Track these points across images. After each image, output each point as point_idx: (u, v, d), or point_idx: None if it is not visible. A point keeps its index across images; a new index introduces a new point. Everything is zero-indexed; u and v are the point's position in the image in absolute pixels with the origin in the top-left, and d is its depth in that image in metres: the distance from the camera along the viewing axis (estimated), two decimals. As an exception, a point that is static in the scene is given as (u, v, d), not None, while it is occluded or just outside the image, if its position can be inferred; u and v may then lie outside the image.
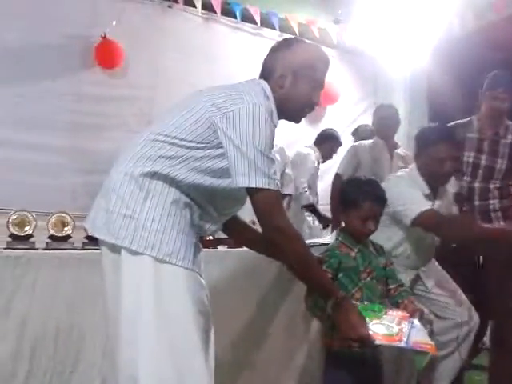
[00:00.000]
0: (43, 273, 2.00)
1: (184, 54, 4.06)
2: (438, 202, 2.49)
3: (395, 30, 4.53)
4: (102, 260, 1.57)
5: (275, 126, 1.56)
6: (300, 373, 2.45)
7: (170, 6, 4.10)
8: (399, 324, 1.65)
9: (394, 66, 4.83)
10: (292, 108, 1.65)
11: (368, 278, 1.96)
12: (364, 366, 1.89)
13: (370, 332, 1.60)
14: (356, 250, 1.98)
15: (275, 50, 1.69)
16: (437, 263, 2.70)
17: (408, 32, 4.52)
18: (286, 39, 1.75)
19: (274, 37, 4.44)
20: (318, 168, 4.19)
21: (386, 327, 1.63)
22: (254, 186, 1.47)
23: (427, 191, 2.43)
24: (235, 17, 4.27)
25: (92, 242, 2.15)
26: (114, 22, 3.76)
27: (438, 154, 2.37)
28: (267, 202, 1.50)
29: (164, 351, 1.40)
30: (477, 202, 2.97)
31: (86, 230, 2.12)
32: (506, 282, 2.88)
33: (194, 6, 4.09)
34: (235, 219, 1.84)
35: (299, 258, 1.57)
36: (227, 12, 4.27)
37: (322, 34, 4.60)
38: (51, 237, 2.16)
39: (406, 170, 2.60)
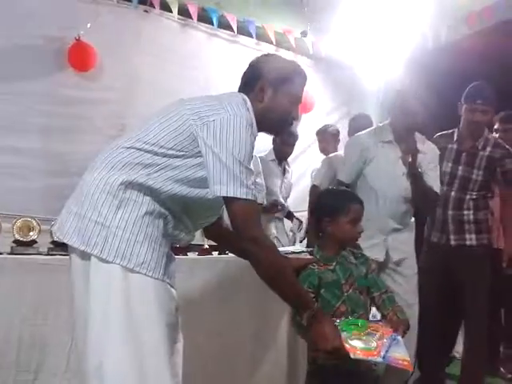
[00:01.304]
0: (6, 278, 1.98)
1: (159, 58, 4.04)
2: None
3: (371, 40, 4.58)
4: (70, 266, 1.55)
5: (255, 138, 1.58)
6: (267, 381, 2.46)
7: (146, 11, 4.06)
8: (380, 338, 1.70)
9: (369, 76, 4.89)
10: (271, 121, 1.69)
11: (350, 290, 1.97)
12: (350, 378, 1.88)
13: (348, 346, 1.63)
14: (334, 264, 1.99)
15: (255, 63, 1.73)
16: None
17: (383, 43, 4.58)
18: (265, 54, 1.79)
19: (250, 44, 4.48)
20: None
21: (365, 342, 1.67)
22: (231, 195, 1.48)
23: None
24: (212, 23, 4.26)
25: (58, 247, 2.13)
26: (89, 25, 3.73)
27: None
28: (244, 211, 1.51)
29: (130, 362, 1.39)
30: (450, 212, 3.00)
31: (51, 234, 2.11)
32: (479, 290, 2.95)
33: (171, 11, 4.07)
34: (219, 224, 1.85)
35: (274, 269, 1.56)
36: (204, 18, 4.26)
37: (298, 43, 4.62)
38: (16, 241, 2.13)
39: None
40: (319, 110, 4.89)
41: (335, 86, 5.02)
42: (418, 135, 2.72)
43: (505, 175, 3.01)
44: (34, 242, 2.17)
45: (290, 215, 4.12)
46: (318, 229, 2.04)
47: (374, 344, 1.67)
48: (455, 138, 3.07)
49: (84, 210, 1.45)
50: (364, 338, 1.69)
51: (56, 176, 3.59)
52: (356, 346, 1.65)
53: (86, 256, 1.46)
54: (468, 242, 2.98)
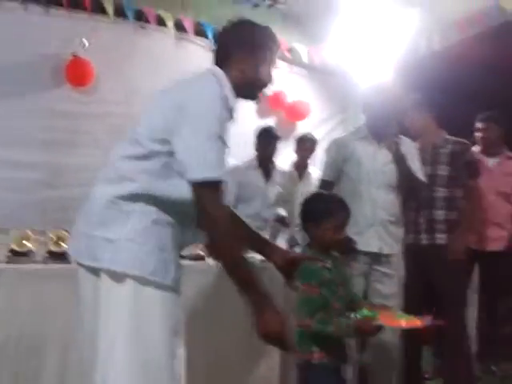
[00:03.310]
0: (2, 288, 2.03)
1: (156, 71, 4.10)
2: None
3: (365, 49, 4.64)
4: (79, 284, 1.58)
5: (231, 111, 1.57)
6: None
7: (142, 27, 4.16)
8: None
9: (364, 83, 4.93)
10: (250, 87, 1.68)
11: (341, 289, 2.03)
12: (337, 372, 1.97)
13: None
14: (330, 262, 2.04)
15: (227, 32, 1.73)
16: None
17: (376, 49, 4.63)
18: (234, 22, 1.74)
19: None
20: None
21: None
22: (199, 177, 1.45)
23: None
24: (207, 37, 4.33)
25: (54, 256, 2.19)
26: (86, 42, 3.83)
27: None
28: (210, 192, 1.47)
29: (135, 373, 1.43)
30: (422, 211, 3.06)
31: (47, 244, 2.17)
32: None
33: (166, 26, 4.16)
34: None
35: (229, 250, 1.51)
36: (200, 33, 4.35)
37: (293, 53, 4.69)
38: (12, 251, 2.19)
39: None
40: (315, 117, 4.95)
41: (330, 94, 5.07)
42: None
43: (469, 167, 3.10)
44: (30, 251, 2.23)
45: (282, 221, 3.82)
46: (305, 231, 2.09)
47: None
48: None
49: (92, 228, 1.48)
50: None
51: (55, 188, 3.70)
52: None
53: (96, 272, 1.48)
54: (438, 242, 3.01)
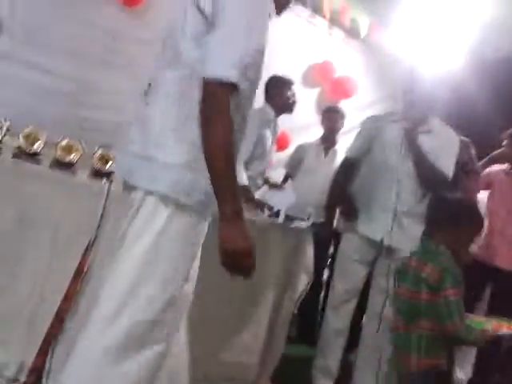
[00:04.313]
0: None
1: None
2: None
3: (425, 35, 4.39)
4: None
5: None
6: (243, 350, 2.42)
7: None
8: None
9: (422, 72, 4.68)
10: None
11: None
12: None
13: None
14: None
15: None
16: None
17: (440, 42, 4.38)
18: None
19: (304, 15, 4.32)
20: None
21: None
22: (218, 76, 1.30)
23: None
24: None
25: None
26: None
27: None
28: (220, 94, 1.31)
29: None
30: None
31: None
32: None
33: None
34: None
35: (224, 153, 1.32)
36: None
37: (353, 24, 4.46)
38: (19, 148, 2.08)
39: None
40: (361, 98, 4.71)
41: (383, 76, 4.80)
42: (437, 121, 2.70)
43: (465, 167, 3.03)
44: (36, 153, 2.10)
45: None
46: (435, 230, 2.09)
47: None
48: None
49: (141, 147, 1.42)
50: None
51: (81, 106, 3.54)
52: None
53: (132, 189, 1.43)
54: None
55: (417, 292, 1.94)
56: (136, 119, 1.49)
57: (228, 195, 1.32)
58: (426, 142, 2.59)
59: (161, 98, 1.43)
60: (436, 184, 2.63)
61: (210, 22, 1.35)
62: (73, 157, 2.15)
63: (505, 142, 3.38)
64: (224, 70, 1.29)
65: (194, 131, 1.35)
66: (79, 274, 1.89)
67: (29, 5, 3.34)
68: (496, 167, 3.42)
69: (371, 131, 2.73)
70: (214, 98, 1.30)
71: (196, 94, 1.34)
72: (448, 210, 2.09)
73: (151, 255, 1.36)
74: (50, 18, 3.42)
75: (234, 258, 1.34)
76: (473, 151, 3.21)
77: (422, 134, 2.61)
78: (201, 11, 1.37)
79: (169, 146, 1.38)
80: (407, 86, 2.71)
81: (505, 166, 3.38)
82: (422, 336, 1.90)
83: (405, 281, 2.03)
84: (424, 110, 2.63)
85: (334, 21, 4.42)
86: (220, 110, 1.30)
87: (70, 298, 1.84)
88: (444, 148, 2.63)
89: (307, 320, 3.39)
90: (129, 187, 1.45)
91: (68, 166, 2.12)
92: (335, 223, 3.09)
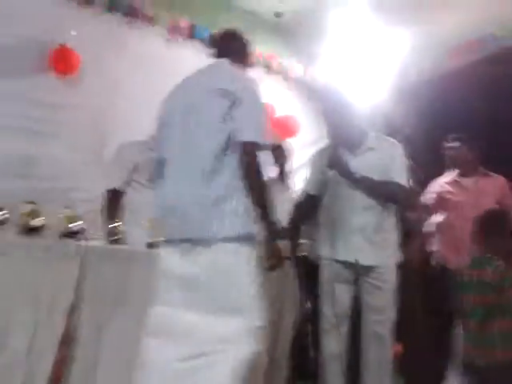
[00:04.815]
0: None
1: (142, 70, 3.92)
2: None
3: (355, 69, 4.61)
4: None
5: None
6: None
7: (131, 22, 4.02)
8: None
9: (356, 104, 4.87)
10: None
11: None
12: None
13: None
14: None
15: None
16: None
17: (367, 72, 4.61)
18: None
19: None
20: None
21: None
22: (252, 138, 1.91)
23: None
24: (201, 40, 4.22)
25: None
26: (74, 32, 3.64)
27: None
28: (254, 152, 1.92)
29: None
30: None
31: None
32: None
33: (158, 24, 4.04)
34: None
35: (263, 187, 1.92)
36: (193, 35, 4.23)
37: (282, 68, 4.63)
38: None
39: None
40: (305, 137, 4.81)
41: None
42: (374, 135, 2.79)
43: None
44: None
45: None
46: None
47: None
48: None
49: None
50: None
51: (26, 179, 3.39)
52: None
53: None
54: None
55: (484, 295, 2.32)
56: None
57: (268, 217, 1.93)
58: (371, 159, 2.67)
59: None
60: (397, 195, 2.69)
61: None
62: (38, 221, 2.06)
63: (450, 145, 3.51)
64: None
65: None
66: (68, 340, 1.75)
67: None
68: (437, 184, 3.54)
69: (323, 162, 2.75)
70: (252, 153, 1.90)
71: None
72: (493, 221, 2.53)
73: None
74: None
75: (277, 261, 2.08)
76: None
77: (366, 153, 2.69)
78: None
79: None
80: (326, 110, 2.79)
81: (447, 179, 3.52)
82: (503, 331, 2.29)
83: (470, 289, 2.38)
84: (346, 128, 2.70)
85: (267, 67, 4.58)
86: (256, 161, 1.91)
87: (61, 365, 1.70)
88: (391, 158, 2.69)
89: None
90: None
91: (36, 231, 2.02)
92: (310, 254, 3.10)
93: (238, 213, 1.86)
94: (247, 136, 1.87)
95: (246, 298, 1.83)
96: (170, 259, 1.91)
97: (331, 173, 2.70)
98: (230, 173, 1.87)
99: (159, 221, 2.08)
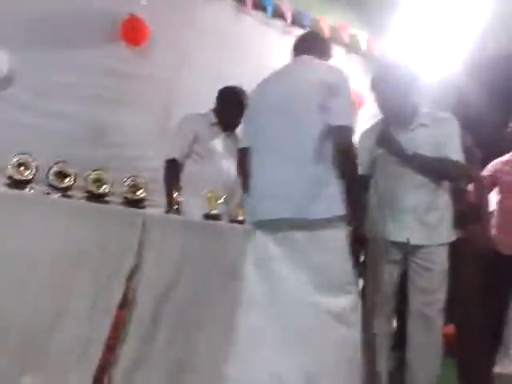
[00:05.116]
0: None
1: (211, 41, 4.00)
2: None
3: (424, 42, 4.45)
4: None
5: None
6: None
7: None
8: None
9: (423, 78, 4.73)
10: None
11: None
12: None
13: None
14: None
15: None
16: None
17: (439, 45, 4.44)
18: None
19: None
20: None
21: None
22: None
23: None
24: (266, 12, 4.22)
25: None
26: (144, 2, 3.73)
27: None
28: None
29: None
30: None
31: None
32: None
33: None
34: None
35: (355, 172, 2.23)
36: (259, 6, 4.23)
37: (352, 39, 4.53)
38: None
39: None
40: (367, 110, 4.73)
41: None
42: (423, 110, 2.67)
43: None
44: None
45: None
46: None
47: None
48: None
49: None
50: None
51: (96, 146, 3.56)
52: None
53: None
54: None
55: None
56: None
57: (355, 203, 2.19)
58: (423, 135, 2.59)
59: None
60: (452, 172, 2.62)
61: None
62: (104, 188, 2.18)
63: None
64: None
65: None
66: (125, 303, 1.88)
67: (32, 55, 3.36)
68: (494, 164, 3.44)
69: (369, 143, 2.69)
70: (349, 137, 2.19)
71: None
72: None
73: None
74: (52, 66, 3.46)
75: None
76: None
77: (417, 129, 2.61)
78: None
79: None
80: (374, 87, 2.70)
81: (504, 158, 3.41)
82: None
83: None
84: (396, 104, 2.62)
85: (333, 38, 4.50)
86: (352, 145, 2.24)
87: (118, 327, 1.83)
88: (444, 135, 2.60)
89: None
90: None
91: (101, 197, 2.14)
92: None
93: (338, 195, 2.08)
94: (344, 121, 2.12)
95: (351, 276, 2.10)
96: (267, 239, 2.12)
97: (380, 151, 2.65)
98: (330, 158, 2.11)
99: (251, 202, 2.24)
